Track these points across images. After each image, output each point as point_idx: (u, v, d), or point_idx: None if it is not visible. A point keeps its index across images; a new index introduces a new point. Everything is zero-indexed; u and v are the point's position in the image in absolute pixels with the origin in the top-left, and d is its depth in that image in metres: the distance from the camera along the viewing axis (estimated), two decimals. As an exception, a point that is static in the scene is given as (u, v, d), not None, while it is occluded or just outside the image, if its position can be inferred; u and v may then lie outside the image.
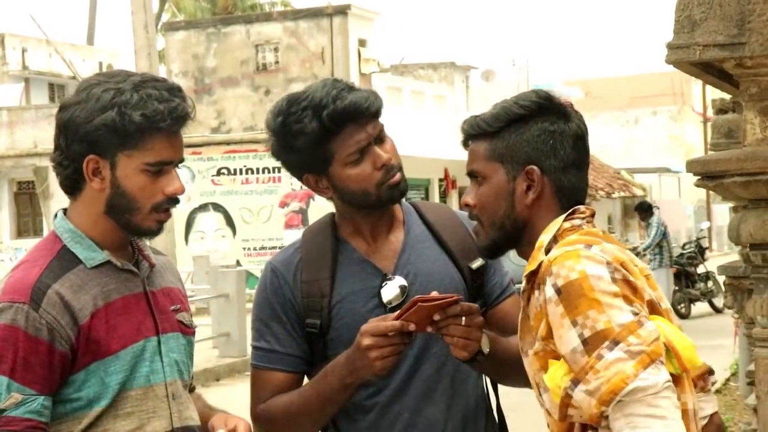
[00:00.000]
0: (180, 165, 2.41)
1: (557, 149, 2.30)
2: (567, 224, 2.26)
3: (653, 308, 2.16)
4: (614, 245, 2.23)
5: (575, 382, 2.07)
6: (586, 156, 2.36)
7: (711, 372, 2.37)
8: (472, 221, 2.75)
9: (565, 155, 2.30)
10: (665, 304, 2.26)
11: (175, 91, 2.36)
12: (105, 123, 2.30)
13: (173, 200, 2.39)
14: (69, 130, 2.33)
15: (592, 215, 2.32)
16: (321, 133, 2.53)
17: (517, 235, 2.32)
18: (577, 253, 2.13)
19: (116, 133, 2.30)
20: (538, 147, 2.29)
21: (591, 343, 2.05)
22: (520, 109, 2.31)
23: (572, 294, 2.09)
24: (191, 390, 2.61)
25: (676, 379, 2.11)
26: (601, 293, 2.08)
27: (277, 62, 27.17)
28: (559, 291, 2.11)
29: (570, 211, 2.29)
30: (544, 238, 2.25)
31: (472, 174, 2.37)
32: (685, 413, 2.12)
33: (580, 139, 2.34)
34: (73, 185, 2.39)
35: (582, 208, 2.31)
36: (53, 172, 2.42)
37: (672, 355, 2.09)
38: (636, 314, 2.07)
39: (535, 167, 2.29)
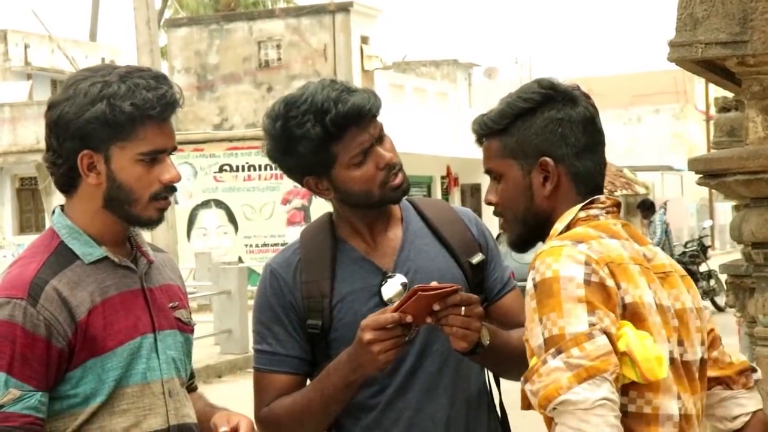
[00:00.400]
0: (174, 153, 2.40)
1: (567, 136, 2.26)
2: (583, 213, 2.24)
3: (634, 313, 2.12)
4: (620, 240, 2.19)
5: (524, 380, 2.09)
6: (598, 137, 2.31)
7: (753, 369, 2.34)
8: (471, 216, 2.75)
9: (576, 141, 2.27)
10: (682, 304, 2.22)
11: (162, 79, 2.36)
12: (96, 116, 2.29)
13: (170, 188, 2.38)
14: (60, 128, 2.32)
15: (615, 205, 2.27)
16: (324, 137, 2.51)
17: (541, 227, 2.29)
18: (560, 250, 2.11)
19: (108, 125, 2.29)
20: (547, 137, 2.26)
21: (546, 345, 2.06)
22: (524, 103, 2.28)
23: (544, 292, 2.09)
24: (193, 389, 2.61)
25: (648, 384, 2.09)
26: (566, 297, 2.06)
27: (279, 59, 27.16)
28: (535, 286, 2.11)
29: (589, 200, 2.26)
30: (558, 227, 2.23)
31: (489, 172, 2.36)
32: (653, 417, 2.11)
33: (590, 121, 2.29)
34: (68, 183, 2.37)
35: (602, 197, 2.27)
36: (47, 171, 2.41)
37: (634, 364, 2.06)
38: (592, 325, 2.04)
39: (548, 158, 2.26)
